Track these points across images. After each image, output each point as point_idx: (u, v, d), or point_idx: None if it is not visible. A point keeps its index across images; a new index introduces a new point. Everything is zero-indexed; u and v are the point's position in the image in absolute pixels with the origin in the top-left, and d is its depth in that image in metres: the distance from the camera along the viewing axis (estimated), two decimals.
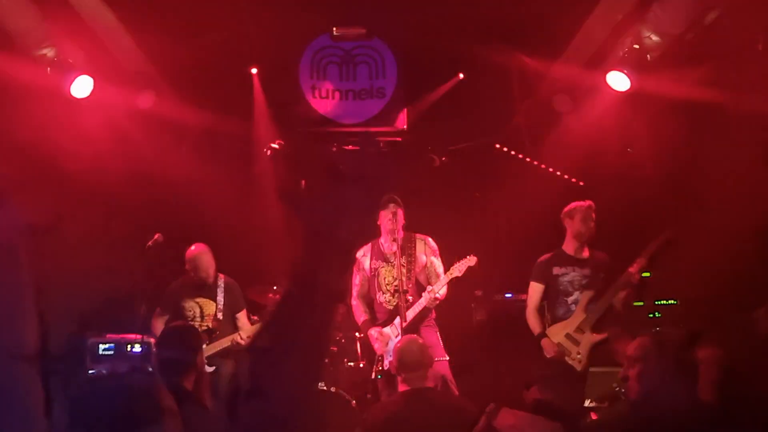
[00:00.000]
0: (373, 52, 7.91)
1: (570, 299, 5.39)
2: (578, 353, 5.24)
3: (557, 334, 5.36)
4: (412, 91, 7.76)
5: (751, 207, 5.49)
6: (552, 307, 5.51)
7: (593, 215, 5.52)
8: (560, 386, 5.02)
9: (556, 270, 5.48)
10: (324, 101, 7.87)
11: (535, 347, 6.02)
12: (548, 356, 5.34)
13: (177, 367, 3.42)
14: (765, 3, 4.73)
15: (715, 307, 5.94)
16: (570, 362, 5.26)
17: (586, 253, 5.54)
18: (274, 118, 7.71)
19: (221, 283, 6.08)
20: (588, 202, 5.57)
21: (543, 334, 5.44)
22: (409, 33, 7.59)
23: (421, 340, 4.23)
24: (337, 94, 7.88)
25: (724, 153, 5.82)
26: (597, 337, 5.24)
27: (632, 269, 5.21)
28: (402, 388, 3.95)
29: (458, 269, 5.58)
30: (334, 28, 7.72)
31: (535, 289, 5.58)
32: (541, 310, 5.60)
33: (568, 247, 5.57)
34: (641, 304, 6.37)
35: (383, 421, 3.76)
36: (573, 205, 5.60)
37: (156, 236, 5.68)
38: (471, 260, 5.65)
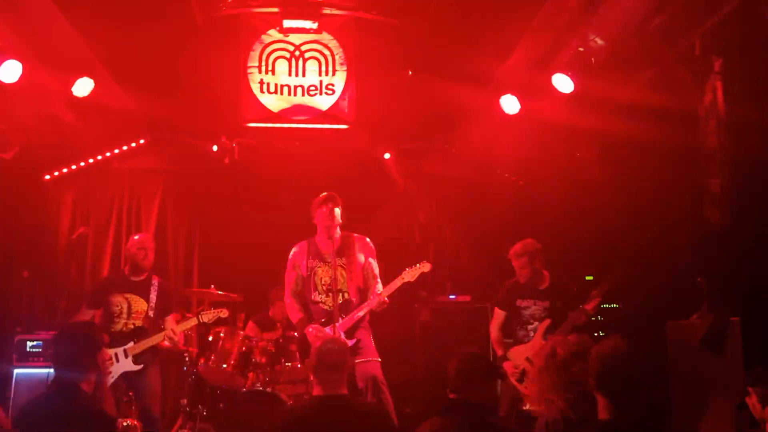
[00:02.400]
0: (323, 48, 7.78)
1: (530, 327, 5.75)
2: None
3: (518, 356, 5.68)
4: (361, 88, 7.65)
5: (689, 212, 5.53)
6: (513, 329, 5.87)
7: (525, 260, 5.73)
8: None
9: (519, 302, 5.81)
10: (272, 97, 7.70)
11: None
12: (511, 380, 5.65)
13: (74, 366, 3.28)
14: (701, 7, 4.74)
15: (654, 312, 5.98)
16: (528, 383, 5.54)
17: (546, 283, 5.78)
18: (221, 113, 7.54)
19: (155, 282, 5.93)
20: (513, 249, 5.79)
21: (505, 357, 5.76)
22: (360, 29, 7.50)
23: (343, 342, 4.02)
24: (285, 90, 7.73)
25: (664, 159, 5.87)
26: None
27: (588, 306, 5.51)
28: (317, 391, 3.69)
29: (411, 274, 5.48)
30: (284, 21, 7.57)
31: (499, 314, 5.97)
32: (501, 330, 5.98)
33: (528, 279, 5.79)
34: None
35: (291, 424, 3.57)
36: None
37: (81, 229, 5.43)
38: (425, 266, 5.52)
